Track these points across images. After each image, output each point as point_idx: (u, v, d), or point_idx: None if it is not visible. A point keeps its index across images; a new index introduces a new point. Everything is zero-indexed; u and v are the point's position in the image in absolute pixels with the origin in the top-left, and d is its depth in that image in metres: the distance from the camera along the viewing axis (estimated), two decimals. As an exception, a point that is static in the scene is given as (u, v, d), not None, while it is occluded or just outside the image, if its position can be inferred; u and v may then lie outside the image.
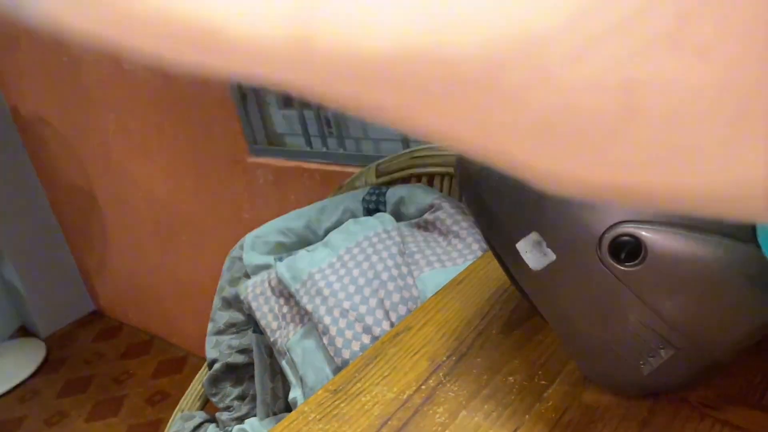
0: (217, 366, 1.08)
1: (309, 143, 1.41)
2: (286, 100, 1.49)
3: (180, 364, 2.17)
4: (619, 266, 0.39)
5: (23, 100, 2.24)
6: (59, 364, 2.34)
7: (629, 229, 0.38)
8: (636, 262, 0.38)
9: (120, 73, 1.74)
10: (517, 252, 0.43)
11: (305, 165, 1.42)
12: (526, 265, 0.43)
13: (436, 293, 0.60)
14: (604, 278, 0.39)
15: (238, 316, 1.10)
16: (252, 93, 1.50)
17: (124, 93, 1.78)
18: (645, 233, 0.37)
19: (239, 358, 1.08)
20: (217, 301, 1.13)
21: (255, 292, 0.96)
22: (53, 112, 2.14)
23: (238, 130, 1.54)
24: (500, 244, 0.45)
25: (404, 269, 0.84)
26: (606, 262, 0.39)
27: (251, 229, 1.65)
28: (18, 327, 2.66)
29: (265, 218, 1.59)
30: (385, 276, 0.83)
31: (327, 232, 1.10)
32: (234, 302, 1.10)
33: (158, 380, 2.11)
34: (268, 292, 0.95)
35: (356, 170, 1.32)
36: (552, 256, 0.41)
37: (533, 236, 0.41)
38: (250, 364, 1.07)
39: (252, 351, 1.04)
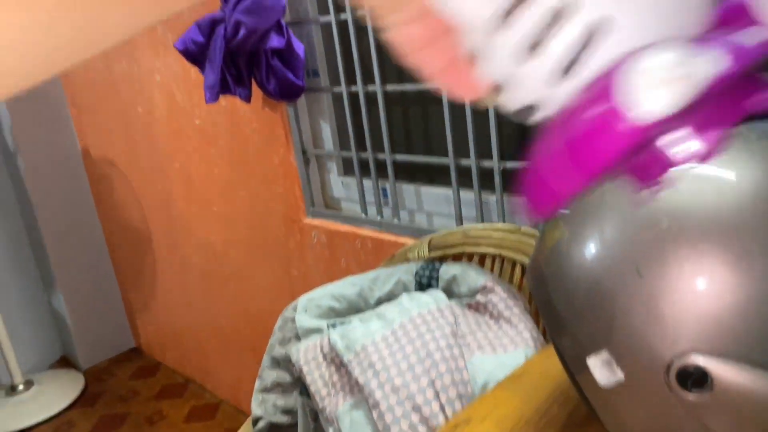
0: (261, 424, 1.11)
1: (365, 210, 1.47)
2: (347, 168, 1.56)
3: (213, 410, 2.20)
4: (685, 394, 0.41)
5: (94, 142, 2.38)
6: (96, 398, 2.39)
7: (698, 359, 0.40)
8: (703, 391, 0.41)
9: (190, 128, 1.85)
10: (585, 363, 0.46)
11: (359, 231, 1.47)
12: (593, 378, 0.45)
13: (496, 387, 0.62)
14: (669, 403, 0.42)
15: (286, 377, 1.13)
16: (314, 158, 1.57)
17: (192, 145, 1.88)
18: (714, 366, 0.40)
19: (283, 419, 1.11)
20: (266, 359, 1.16)
21: (307, 356, 1.00)
22: (121, 156, 2.26)
23: (297, 191, 1.61)
24: (569, 352, 0.48)
25: (456, 351, 0.87)
26: (673, 388, 0.41)
27: (299, 286, 1.70)
28: (59, 357, 2.74)
29: (314, 277, 1.64)
30: (437, 356, 0.86)
31: (379, 301, 1.13)
32: (283, 362, 1.13)
33: (190, 425, 2.13)
34: (320, 358, 0.98)
35: (408, 241, 1.36)
36: (620, 376, 0.43)
37: (604, 355, 0.44)
38: (293, 426, 1.09)
39: (296, 412, 1.07)
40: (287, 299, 1.77)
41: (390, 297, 1.12)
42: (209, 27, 1.40)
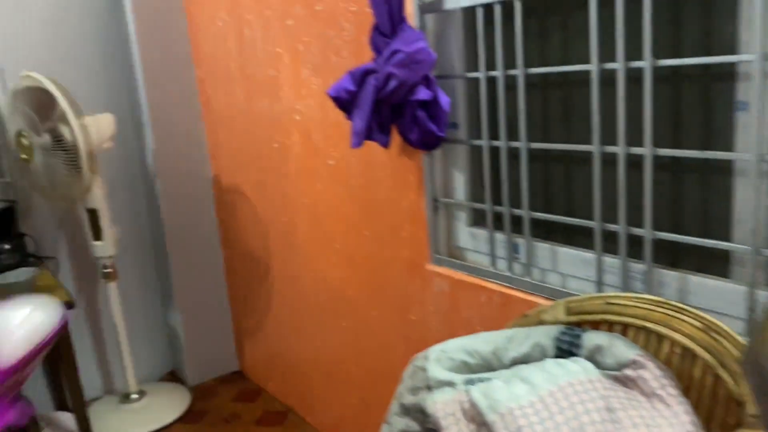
0: (387, 471, 1.11)
1: (494, 264, 1.47)
2: (476, 219, 1.56)
3: (311, 443, 2.22)
4: None
5: (226, 171, 2.53)
6: (200, 416, 2.48)
7: None
8: None
9: (323, 167, 1.93)
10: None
11: (485, 284, 1.46)
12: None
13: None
14: None
15: (414, 426, 1.13)
16: (444, 207, 1.60)
17: (323, 183, 1.96)
18: None
19: (410, 468, 1.10)
20: (394, 406, 1.17)
21: (445, 410, 1.00)
22: (250, 187, 2.38)
23: (423, 237, 1.63)
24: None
25: (609, 426, 0.84)
26: None
27: (416, 331, 1.71)
28: (169, 371, 2.87)
29: (433, 325, 1.65)
30: (590, 430, 0.83)
31: (513, 362, 1.12)
32: (412, 411, 1.13)
33: (289, 455, 2.17)
34: (459, 414, 0.98)
35: (539, 300, 1.34)
36: None
37: None
38: (420, 477, 1.08)
39: (424, 464, 1.07)
40: (402, 343, 1.79)
41: (526, 359, 1.11)
42: (361, 77, 1.47)
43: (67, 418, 2.37)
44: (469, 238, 1.57)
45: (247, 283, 2.59)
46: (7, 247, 2.24)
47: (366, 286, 1.89)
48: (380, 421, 1.76)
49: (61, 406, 2.52)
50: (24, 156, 2.16)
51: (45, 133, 2.11)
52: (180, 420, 2.46)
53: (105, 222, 2.30)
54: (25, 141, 2.13)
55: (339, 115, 1.80)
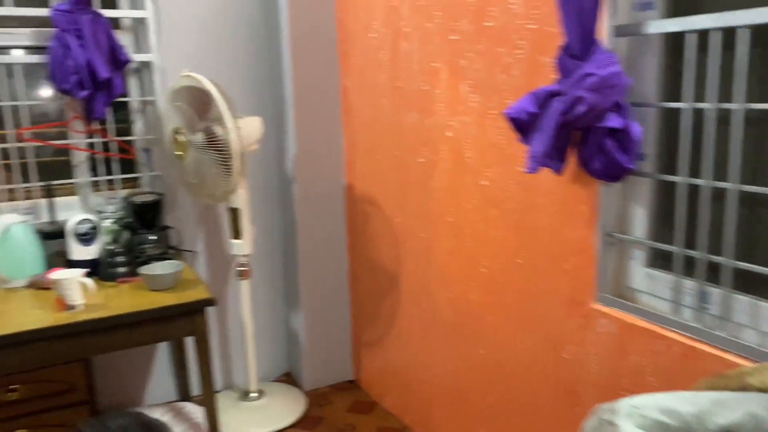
0: None
1: (677, 311, 1.34)
2: (656, 260, 1.44)
3: (431, 468, 2.15)
4: None
5: (361, 180, 2.51)
6: (316, 423, 2.47)
7: None
8: None
9: (474, 186, 1.86)
10: None
11: (663, 332, 1.34)
12: None
13: None
14: None
15: (600, 486, 1.04)
16: (618, 243, 1.48)
17: (471, 203, 1.89)
18: None
19: None
20: (576, 460, 1.08)
21: (654, 480, 0.90)
22: (388, 198, 2.35)
23: (589, 273, 1.52)
24: None
25: None
26: None
27: (568, 371, 1.61)
28: (284, 373, 2.90)
29: (591, 367, 1.53)
30: None
31: (721, 430, 1.00)
32: (599, 470, 1.04)
33: (408, 478, 2.11)
34: (672, 487, 0.88)
35: (731, 358, 1.21)
36: None
37: None
38: None
39: None
40: (550, 381, 1.68)
41: (737, 429, 0.99)
42: (545, 99, 1.39)
43: (192, 409, 2.43)
44: (645, 279, 1.45)
45: (371, 293, 2.57)
46: (152, 238, 2.33)
47: (512, 316, 1.80)
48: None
49: (184, 397, 2.59)
50: (178, 152, 2.23)
51: (199, 132, 2.17)
52: (297, 424, 2.46)
53: (245, 221, 2.34)
54: (181, 138, 2.21)
55: (499, 134, 1.73)
